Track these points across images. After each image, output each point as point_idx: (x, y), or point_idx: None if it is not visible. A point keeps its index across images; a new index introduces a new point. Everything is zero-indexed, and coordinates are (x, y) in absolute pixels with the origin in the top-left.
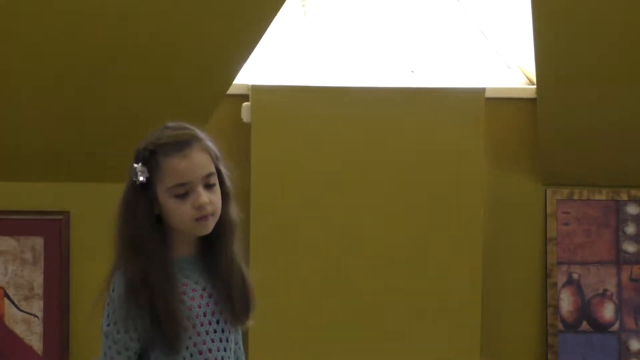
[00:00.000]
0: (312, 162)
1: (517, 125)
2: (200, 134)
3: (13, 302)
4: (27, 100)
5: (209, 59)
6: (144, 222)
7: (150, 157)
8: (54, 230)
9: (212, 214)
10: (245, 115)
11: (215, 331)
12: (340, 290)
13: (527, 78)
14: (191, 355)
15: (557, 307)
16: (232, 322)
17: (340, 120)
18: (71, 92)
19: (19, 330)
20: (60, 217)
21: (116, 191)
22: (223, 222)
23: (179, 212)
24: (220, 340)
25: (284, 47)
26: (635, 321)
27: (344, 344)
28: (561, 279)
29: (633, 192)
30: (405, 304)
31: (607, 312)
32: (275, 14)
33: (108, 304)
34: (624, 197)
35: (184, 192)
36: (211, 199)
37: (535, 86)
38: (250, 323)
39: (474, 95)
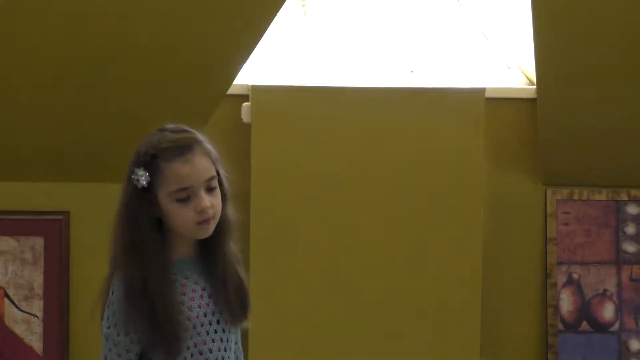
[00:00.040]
0: (312, 162)
1: (517, 125)
2: (200, 136)
3: (13, 302)
4: (27, 100)
5: (209, 59)
6: (144, 225)
7: (152, 161)
8: (54, 230)
9: (213, 217)
10: (245, 116)
11: (215, 331)
12: (340, 290)
13: (527, 78)
14: (192, 356)
15: (557, 307)
16: (231, 321)
17: (340, 120)
18: (71, 92)
19: (19, 330)
20: (60, 217)
21: (116, 191)
22: (221, 223)
23: (181, 216)
24: (221, 340)
25: (284, 47)
26: (635, 321)
27: (344, 343)
28: (561, 279)
29: (633, 192)
30: (405, 304)
31: (607, 312)
32: (275, 14)
33: (108, 306)
34: (624, 197)
35: (186, 196)
36: (212, 203)
37: (535, 86)
38: (248, 323)
39: (474, 95)
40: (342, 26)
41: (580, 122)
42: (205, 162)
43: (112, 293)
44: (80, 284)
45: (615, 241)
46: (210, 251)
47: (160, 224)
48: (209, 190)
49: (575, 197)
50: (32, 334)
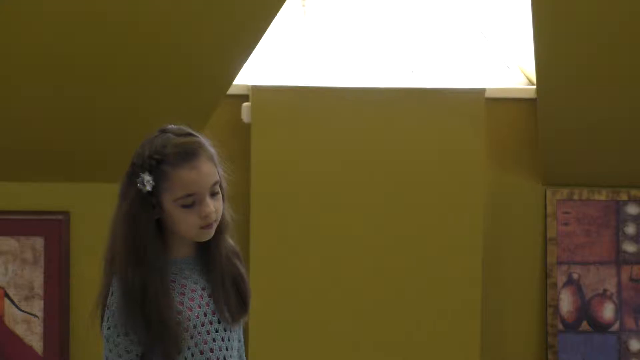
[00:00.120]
0: (312, 162)
1: (517, 125)
2: (203, 138)
3: (13, 302)
4: (27, 100)
5: (209, 59)
6: (146, 228)
7: (157, 166)
8: (54, 230)
9: (215, 220)
10: (245, 116)
11: (216, 330)
12: (339, 290)
13: (527, 78)
14: (192, 355)
15: (557, 307)
16: (232, 320)
17: (340, 120)
18: (71, 92)
19: (19, 330)
20: (60, 217)
21: (116, 191)
22: (219, 223)
23: (185, 221)
24: (222, 339)
25: (284, 47)
26: (635, 321)
27: (343, 343)
28: (561, 279)
29: (633, 192)
30: (405, 303)
31: (607, 312)
32: (275, 14)
33: (108, 308)
34: (624, 197)
35: (191, 202)
36: (216, 207)
37: (535, 86)
38: (247, 318)
39: (474, 95)
40: (342, 26)
41: (580, 122)
42: (210, 167)
43: (112, 294)
44: (80, 284)
45: (615, 241)
46: (208, 250)
47: (160, 225)
48: (213, 194)
49: (575, 197)
50: (32, 334)
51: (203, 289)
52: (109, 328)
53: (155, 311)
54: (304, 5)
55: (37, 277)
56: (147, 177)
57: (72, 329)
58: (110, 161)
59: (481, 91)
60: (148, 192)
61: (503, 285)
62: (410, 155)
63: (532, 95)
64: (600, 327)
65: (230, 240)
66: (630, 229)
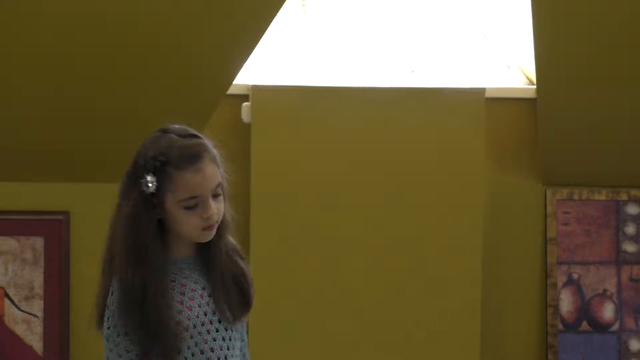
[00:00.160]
0: (312, 162)
1: (517, 125)
2: (205, 140)
3: (13, 302)
4: (27, 100)
5: (209, 59)
6: (148, 229)
7: (161, 167)
8: (54, 230)
9: (217, 222)
10: (245, 116)
11: (217, 330)
12: (339, 290)
13: (527, 78)
14: (193, 355)
15: (557, 307)
16: (233, 319)
17: (340, 120)
18: (71, 92)
19: (19, 330)
20: (60, 217)
21: (116, 191)
22: (219, 223)
23: (187, 223)
24: (223, 339)
25: (284, 47)
26: (635, 321)
27: (343, 343)
28: (561, 279)
29: (633, 192)
30: (405, 303)
31: (607, 312)
32: (275, 14)
33: (107, 307)
34: (624, 197)
35: (194, 204)
36: (218, 209)
37: (535, 86)
38: (249, 316)
39: (474, 95)
40: (342, 26)
41: (580, 122)
42: (214, 169)
43: (112, 294)
44: (80, 284)
45: (615, 241)
46: (208, 250)
47: (160, 225)
48: (215, 196)
49: (575, 197)
50: (32, 334)
51: (203, 288)
52: (109, 328)
53: (155, 311)
54: (304, 5)
55: (37, 277)
56: (150, 178)
57: (72, 329)
58: (110, 161)
59: (481, 91)
60: (151, 193)
61: (503, 285)
62: (410, 155)
63: (532, 95)
64: (600, 327)
65: (231, 239)
66: (630, 229)
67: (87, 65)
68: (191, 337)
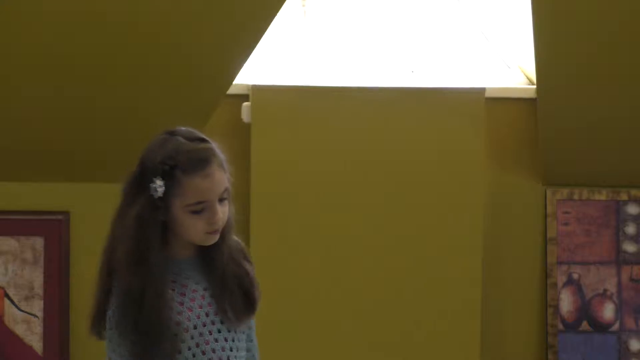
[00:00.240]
0: (312, 162)
1: (517, 125)
2: (213, 144)
3: (13, 302)
4: (27, 100)
5: (209, 59)
6: (152, 232)
7: (170, 171)
8: (54, 230)
9: (222, 226)
10: (245, 115)
11: (219, 330)
12: (339, 290)
13: (527, 78)
14: (193, 356)
15: (557, 307)
16: (236, 320)
17: (340, 120)
18: (71, 92)
19: (19, 330)
20: (60, 217)
21: (116, 191)
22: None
23: (193, 227)
24: (225, 340)
25: (284, 47)
26: (635, 321)
27: (344, 343)
28: (561, 279)
29: (633, 192)
30: (405, 303)
31: (607, 312)
32: (275, 14)
33: (109, 308)
34: (624, 197)
35: (201, 209)
36: (223, 212)
37: (535, 86)
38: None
39: (474, 95)
40: (342, 26)
41: (580, 122)
42: (221, 174)
43: (112, 295)
44: (80, 284)
45: (615, 241)
46: (211, 251)
47: (163, 226)
48: (221, 200)
49: (575, 197)
50: (32, 334)
51: (205, 289)
52: (110, 328)
53: (155, 311)
54: (304, 5)
55: (37, 277)
56: (159, 182)
57: (72, 329)
58: (110, 161)
59: (481, 91)
60: (158, 197)
61: (503, 285)
62: (410, 155)
63: (532, 95)
64: (600, 327)
65: (237, 240)
66: (630, 229)
67: (87, 65)
68: (192, 338)
